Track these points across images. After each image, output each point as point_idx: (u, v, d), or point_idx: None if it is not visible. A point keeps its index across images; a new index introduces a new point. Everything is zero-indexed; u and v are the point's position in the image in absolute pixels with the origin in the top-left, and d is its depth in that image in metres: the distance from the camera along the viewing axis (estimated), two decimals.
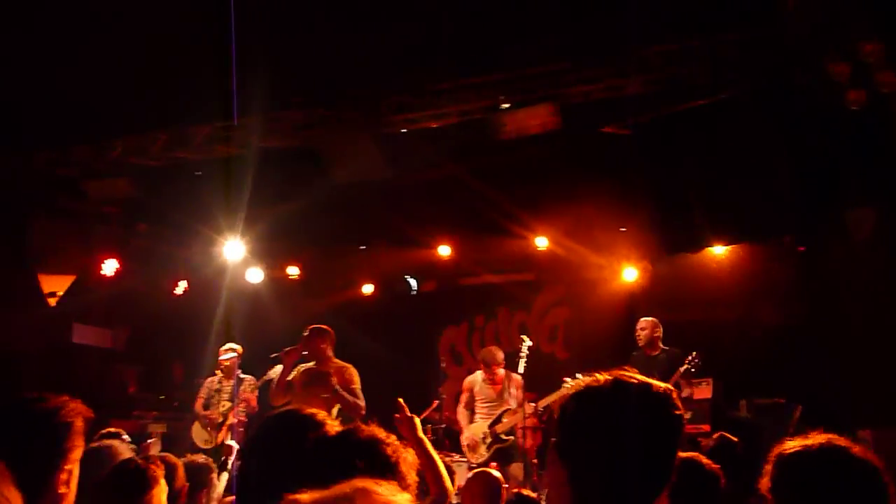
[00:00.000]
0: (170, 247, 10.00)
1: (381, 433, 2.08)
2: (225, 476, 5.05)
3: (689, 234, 7.94)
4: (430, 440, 3.43)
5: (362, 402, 6.85)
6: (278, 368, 7.18)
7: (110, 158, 7.48)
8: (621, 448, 1.54)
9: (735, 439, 4.89)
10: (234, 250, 9.11)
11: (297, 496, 1.05)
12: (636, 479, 1.54)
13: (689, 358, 7.39)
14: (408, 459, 2.05)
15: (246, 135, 7.24)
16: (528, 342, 8.19)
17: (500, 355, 8.21)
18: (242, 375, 8.42)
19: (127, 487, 2.92)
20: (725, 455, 4.25)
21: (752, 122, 6.36)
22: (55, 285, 9.14)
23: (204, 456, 4.81)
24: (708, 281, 8.62)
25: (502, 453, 7.89)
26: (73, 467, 2.13)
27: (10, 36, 6.20)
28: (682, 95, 6.33)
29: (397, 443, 2.08)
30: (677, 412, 1.60)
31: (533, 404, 7.87)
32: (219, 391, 8.35)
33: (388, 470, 1.98)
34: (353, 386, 6.91)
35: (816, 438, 2.02)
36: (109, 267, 9.38)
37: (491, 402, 8.11)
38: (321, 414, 2.30)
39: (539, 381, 8.05)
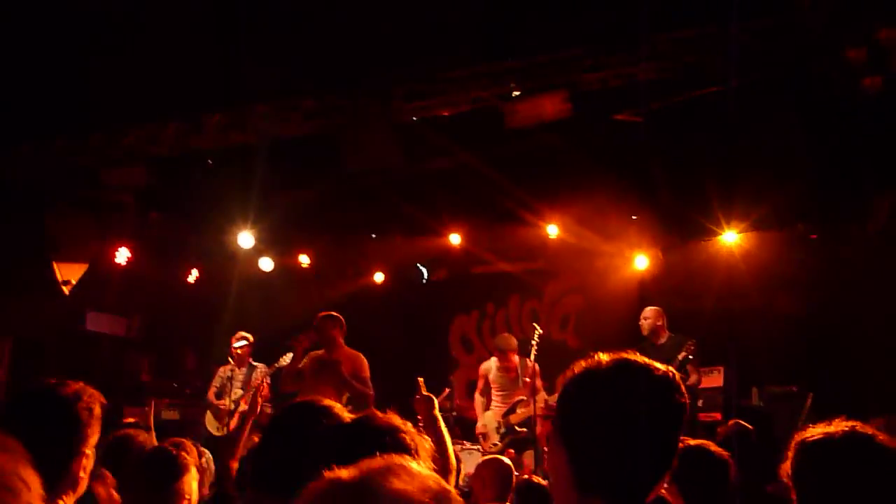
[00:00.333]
0: (183, 235, 10.03)
1: (398, 421, 2.08)
2: None
3: (701, 222, 7.90)
4: None
5: (371, 391, 6.87)
6: (290, 356, 7.21)
7: (124, 146, 7.49)
8: (622, 430, 1.53)
9: (750, 427, 4.88)
10: (246, 239, 9.14)
11: (337, 472, 1.05)
12: (637, 461, 1.53)
13: (688, 345, 7.34)
14: (425, 446, 2.06)
15: (258, 123, 7.23)
16: (539, 330, 8.18)
17: (514, 342, 8.22)
18: (255, 363, 8.48)
19: (160, 475, 2.96)
20: (740, 442, 4.25)
21: (767, 110, 6.30)
22: (70, 273, 9.19)
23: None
24: (720, 269, 8.55)
25: (515, 443, 7.91)
26: (91, 452, 2.16)
27: (27, 27, 6.21)
28: (696, 82, 6.28)
29: (414, 430, 2.09)
30: (679, 395, 1.58)
31: (546, 396, 7.87)
32: (231, 379, 8.40)
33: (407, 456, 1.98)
34: (363, 374, 6.93)
35: (839, 426, 2.01)
36: (122, 255, 9.44)
37: (505, 389, 8.13)
38: (337, 406, 2.32)
39: (550, 369, 8.02)
